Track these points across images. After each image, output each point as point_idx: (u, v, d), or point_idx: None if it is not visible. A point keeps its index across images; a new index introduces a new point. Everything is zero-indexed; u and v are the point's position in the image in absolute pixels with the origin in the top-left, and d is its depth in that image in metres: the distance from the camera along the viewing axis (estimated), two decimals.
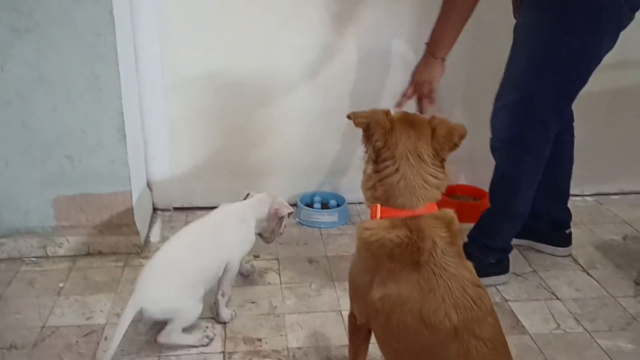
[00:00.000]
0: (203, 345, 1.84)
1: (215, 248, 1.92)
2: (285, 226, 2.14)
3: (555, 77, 1.92)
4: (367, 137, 1.46)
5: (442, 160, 1.44)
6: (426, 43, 1.96)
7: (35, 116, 2.18)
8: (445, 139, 1.43)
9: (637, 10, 1.87)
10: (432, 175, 1.42)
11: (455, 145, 1.45)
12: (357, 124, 1.47)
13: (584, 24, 1.84)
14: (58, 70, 2.14)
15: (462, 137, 1.45)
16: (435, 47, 1.94)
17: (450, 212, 1.42)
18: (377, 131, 1.43)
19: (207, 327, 1.91)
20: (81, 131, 2.22)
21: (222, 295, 1.95)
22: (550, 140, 2.05)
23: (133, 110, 2.42)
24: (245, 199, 2.10)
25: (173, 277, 1.81)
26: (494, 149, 2.08)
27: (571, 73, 1.93)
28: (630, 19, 1.88)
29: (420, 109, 2.01)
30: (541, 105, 1.96)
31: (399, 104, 2.00)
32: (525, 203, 2.12)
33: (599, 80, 2.63)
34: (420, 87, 1.97)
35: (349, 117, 1.48)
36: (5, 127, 2.18)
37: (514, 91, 1.99)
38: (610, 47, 1.92)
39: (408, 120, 1.46)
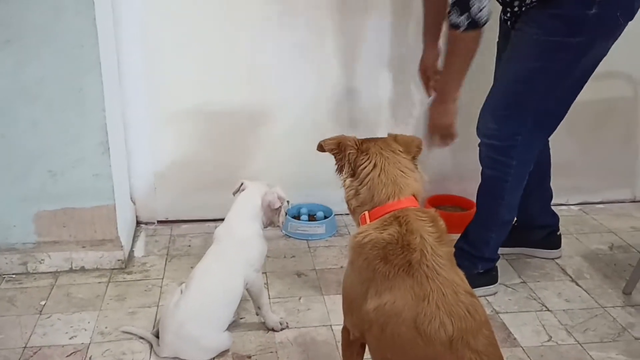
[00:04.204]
0: None
1: (226, 283, 1.86)
2: (286, 214, 2.08)
3: (543, 88, 1.93)
4: (340, 155, 1.53)
5: (413, 158, 1.52)
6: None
7: (16, 130, 2.13)
8: (407, 143, 1.53)
9: (630, 20, 1.88)
10: (408, 168, 1.49)
11: (419, 150, 1.54)
12: (327, 148, 1.54)
13: (580, 39, 1.85)
14: (39, 82, 2.09)
15: (419, 145, 1.55)
16: (425, 37, 2.21)
17: (432, 210, 1.47)
18: (348, 145, 1.51)
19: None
20: (63, 144, 2.17)
21: (260, 307, 1.96)
22: (535, 149, 2.06)
23: (116, 123, 2.38)
24: (238, 190, 2.00)
25: (199, 330, 1.79)
26: (481, 155, 2.09)
27: (560, 86, 1.94)
28: (622, 29, 1.90)
29: (427, 92, 2.24)
30: (527, 115, 1.96)
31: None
32: (510, 210, 2.13)
33: (584, 92, 2.66)
34: (424, 73, 2.23)
35: (319, 146, 1.55)
36: None
37: (503, 99, 2.00)
38: (600, 58, 1.94)
39: (371, 138, 1.56)
